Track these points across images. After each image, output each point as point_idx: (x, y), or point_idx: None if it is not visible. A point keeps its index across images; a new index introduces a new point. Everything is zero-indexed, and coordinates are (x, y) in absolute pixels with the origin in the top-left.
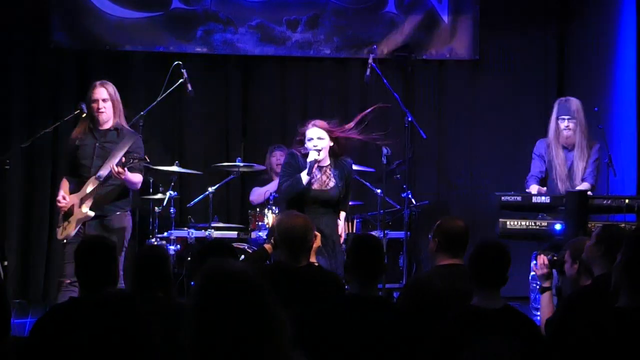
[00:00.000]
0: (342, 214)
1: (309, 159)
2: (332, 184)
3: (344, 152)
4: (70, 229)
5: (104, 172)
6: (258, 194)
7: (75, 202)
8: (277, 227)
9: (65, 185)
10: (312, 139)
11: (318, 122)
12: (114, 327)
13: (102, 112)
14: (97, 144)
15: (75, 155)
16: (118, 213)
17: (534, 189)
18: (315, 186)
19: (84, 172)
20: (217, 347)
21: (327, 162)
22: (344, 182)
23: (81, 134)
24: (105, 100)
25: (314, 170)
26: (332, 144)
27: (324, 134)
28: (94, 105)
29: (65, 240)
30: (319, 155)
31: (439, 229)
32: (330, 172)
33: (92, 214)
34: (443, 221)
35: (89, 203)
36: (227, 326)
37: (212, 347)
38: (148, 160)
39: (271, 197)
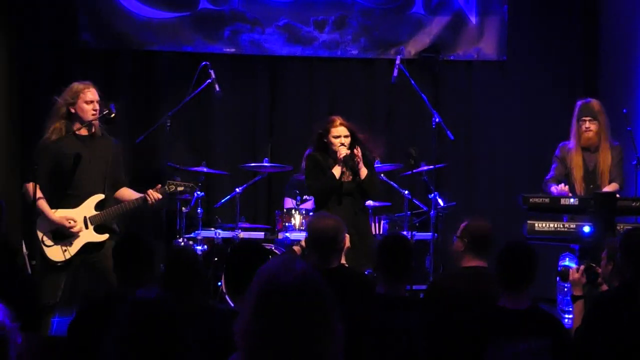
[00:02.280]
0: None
1: (340, 156)
2: (351, 176)
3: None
4: (73, 251)
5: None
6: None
7: (77, 221)
8: (308, 229)
9: (43, 199)
10: (339, 136)
11: (344, 120)
12: (151, 326)
13: (96, 116)
14: (92, 157)
15: (60, 164)
16: (116, 229)
17: (555, 189)
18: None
19: (79, 186)
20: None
21: None
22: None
23: (61, 139)
24: (98, 103)
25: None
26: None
27: (348, 132)
28: (88, 106)
29: (59, 264)
30: (348, 151)
31: (466, 229)
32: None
33: (105, 236)
34: (471, 222)
35: (95, 223)
36: (286, 337)
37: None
38: (197, 186)
39: (297, 199)
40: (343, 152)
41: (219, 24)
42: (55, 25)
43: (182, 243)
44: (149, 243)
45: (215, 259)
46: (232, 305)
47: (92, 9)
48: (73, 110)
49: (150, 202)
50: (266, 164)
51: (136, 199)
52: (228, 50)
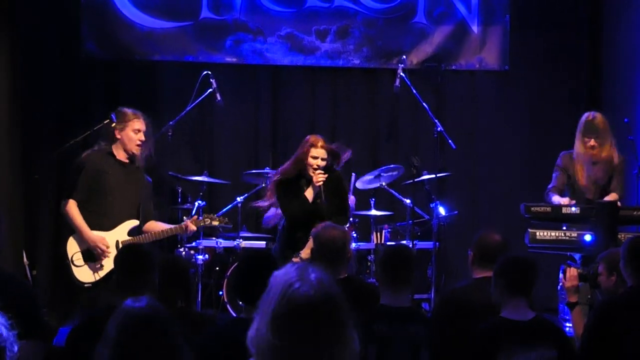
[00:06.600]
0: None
1: (317, 183)
2: (325, 200)
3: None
4: (103, 274)
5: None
6: (275, 213)
7: (110, 245)
8: (316, 239)
9: (81, 218)
10: (317, 157)
11: (325, 143)
12: (139, 334)
13: (140, 147)
14: (128, 182)
15: (98, 183)
16: None
17: (556, 199)
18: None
19: (113, 208)
20: None
21: None
22: (333, 194)
23: (103, 158)
24: (145, 135)
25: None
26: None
27: (326, 155)
28: (135, 135)
29: (86, 284)
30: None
31: (476, 242)
32: (322, 189)
33: None
34: (481, 235)
35: None
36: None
37: None
38: (230, 224)
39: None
40: (320, 179)
41: (221, 34)
42: (58, 35)
43: (184, 252)
44: (148, 253)
45: (217, 268)
46: (234, 314)
47: (95, 19)
48: (119, 136)
49: (187, 231)
50: (268, 173)
51: (172, 228)
52: (230, 59)
